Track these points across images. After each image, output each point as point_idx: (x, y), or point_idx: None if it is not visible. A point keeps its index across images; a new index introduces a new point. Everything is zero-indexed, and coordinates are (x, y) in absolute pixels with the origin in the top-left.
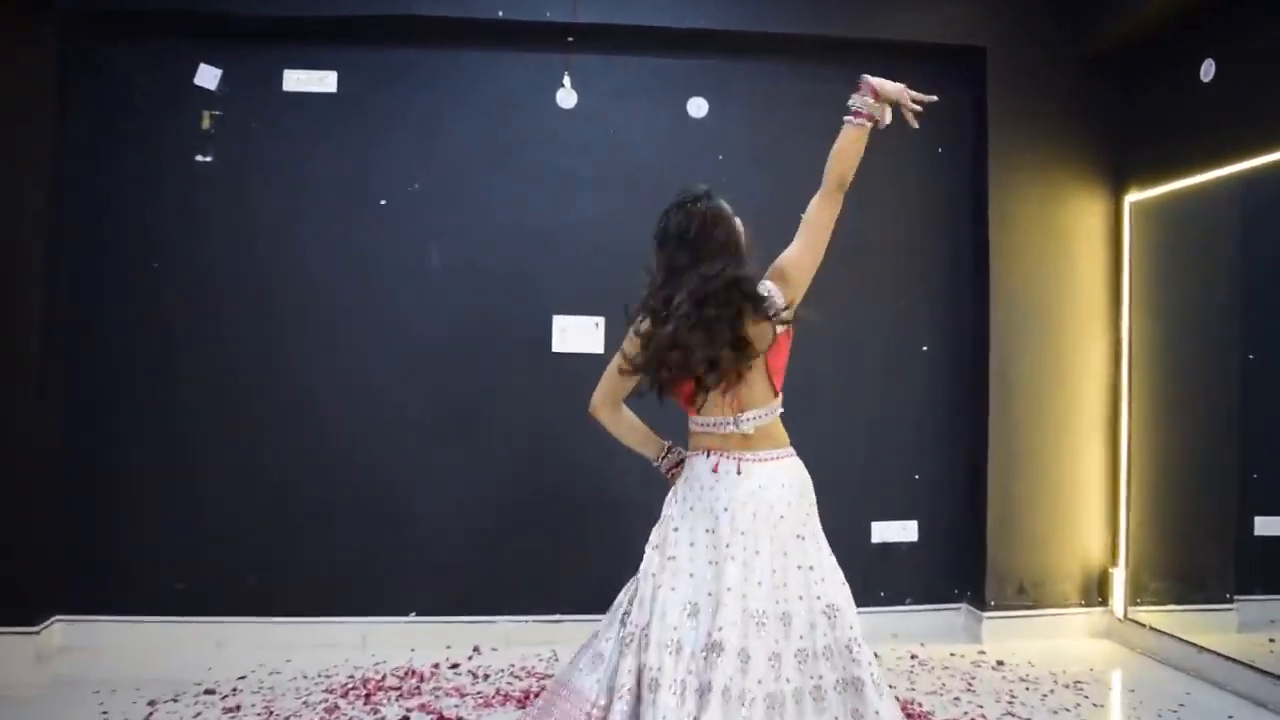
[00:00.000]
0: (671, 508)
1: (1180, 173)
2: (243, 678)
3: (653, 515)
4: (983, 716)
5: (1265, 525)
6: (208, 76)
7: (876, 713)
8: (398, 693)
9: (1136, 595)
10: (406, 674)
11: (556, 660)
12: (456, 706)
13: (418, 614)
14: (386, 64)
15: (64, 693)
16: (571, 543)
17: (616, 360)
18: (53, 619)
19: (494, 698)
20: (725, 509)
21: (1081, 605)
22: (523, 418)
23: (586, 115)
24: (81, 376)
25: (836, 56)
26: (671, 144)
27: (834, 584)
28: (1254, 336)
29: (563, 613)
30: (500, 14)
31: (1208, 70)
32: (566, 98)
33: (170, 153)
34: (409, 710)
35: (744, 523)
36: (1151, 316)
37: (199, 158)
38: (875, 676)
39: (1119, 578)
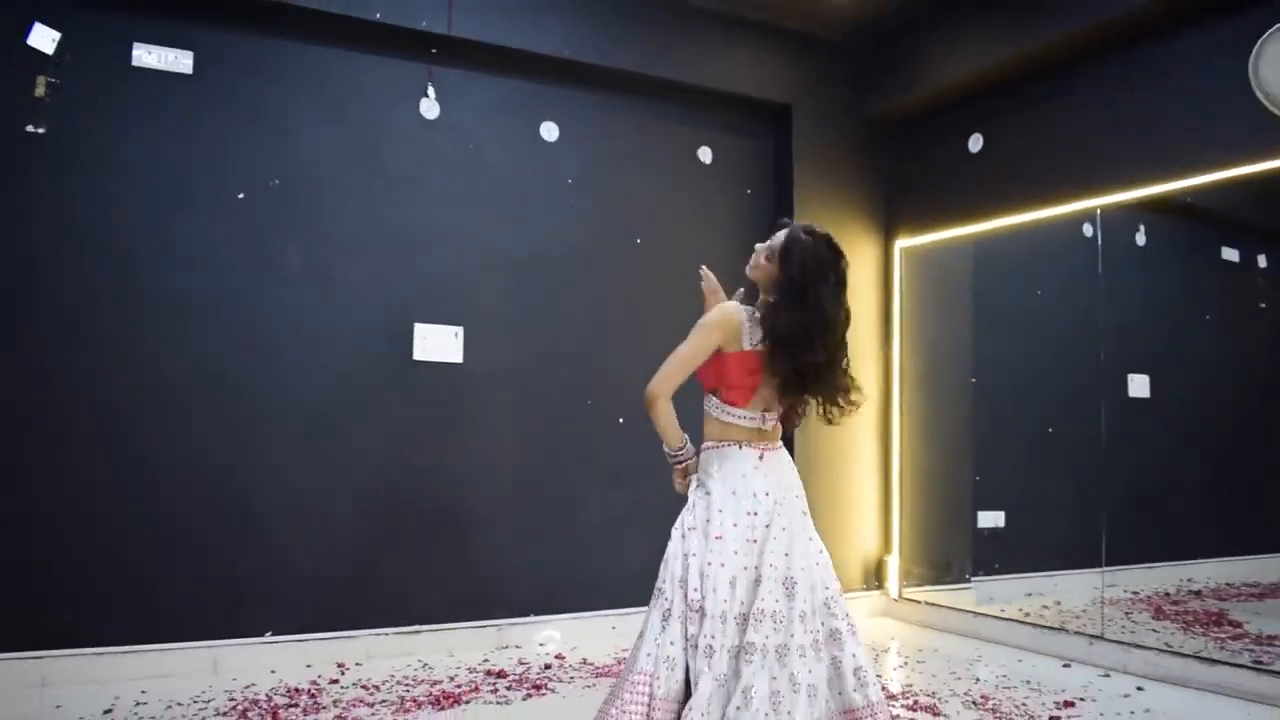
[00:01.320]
0: (710, 494)
1: (941, 225)
2: (109, 710)
3: (505, 527)
4: None
5: (985, 519)
6: (43, 38)
7: (853, 655)
8: (299, 709)
9: (905, 579)
10: (291, 692)
11: (430, 669)
12: (372, 714)
13: (273, 633)
14: (249, 50)
15: None
16: (428, 554)
17: (687, 352)
18: None
19: (408, 702)
20: (767, 493)
21: (864, 589)
22: (382, 428)
23: (448, 127)
24: None
25: (669, 97)
26: (527, 163)
27: (821, 549)
28: (980, 362)
29: (422, 623)
30: (378, 16)
31: (976, 142)
32: (430, 108)
33: None
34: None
35: (780, 503)
36: (913, 343)
37: (30, 127)
38: (850, 626)
39: (893, 564)
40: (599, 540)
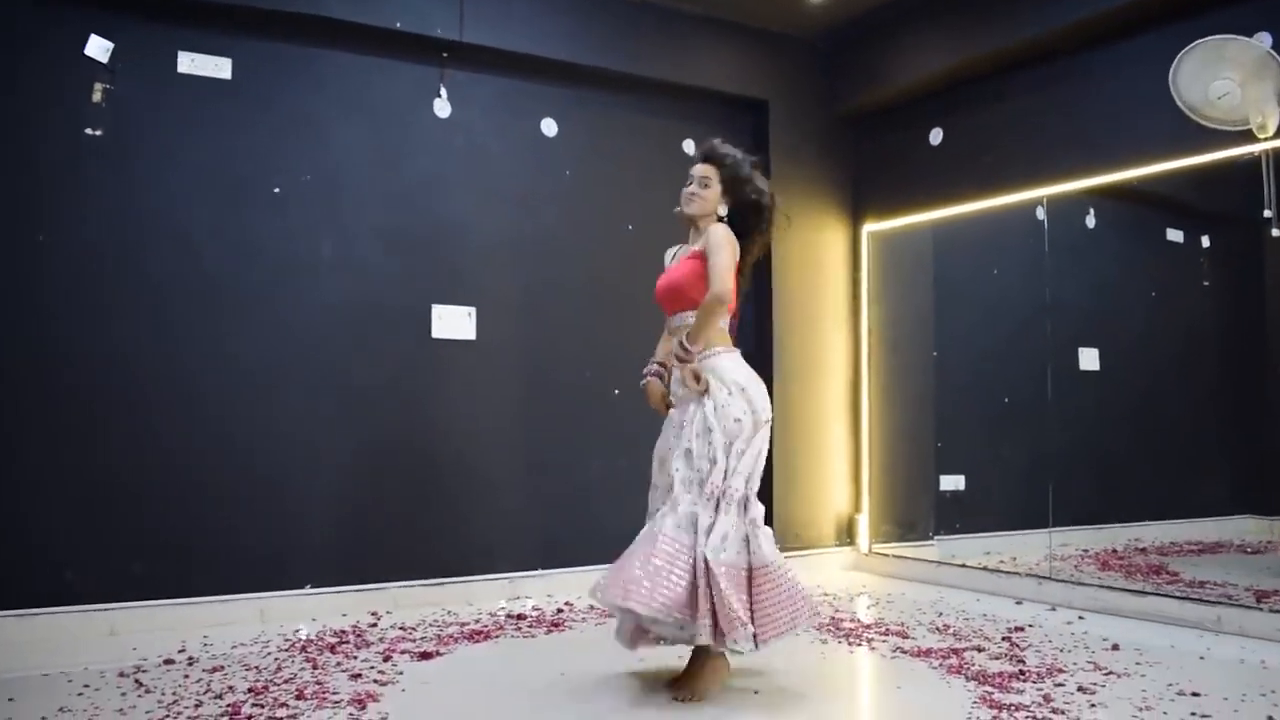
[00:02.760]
0: (745, 389)
1: (905, 211)
2: (181, 650)
3: (514, 488)
4: (842, 614)
5: (946, 482)
6: (99, 48)
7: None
8: (349, 644)
9: (874, 536)
10: (339, 633)
11: (455, 614)
12: (418, 647)
13: (312, 586)
14: (282, 57)
15: (7, 684)
16: (447, 514)
17: (729, 264)
18: None
19: (444, 638)
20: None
21: (836, 544)
22: (405, 399)
23: (459, 125)
24: None
25: (656, 94)
26: (530, 156)
27: None
28: (940, 337)
29: (443, 576)
30: (398, 25)
31: (936, 136)
32: (442, 107)
33: (60, 123)
34: (383, 652)
35: None
36: (880, 319)
37: (88, 130)
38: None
39: (863, 522)
40: (598, 500)
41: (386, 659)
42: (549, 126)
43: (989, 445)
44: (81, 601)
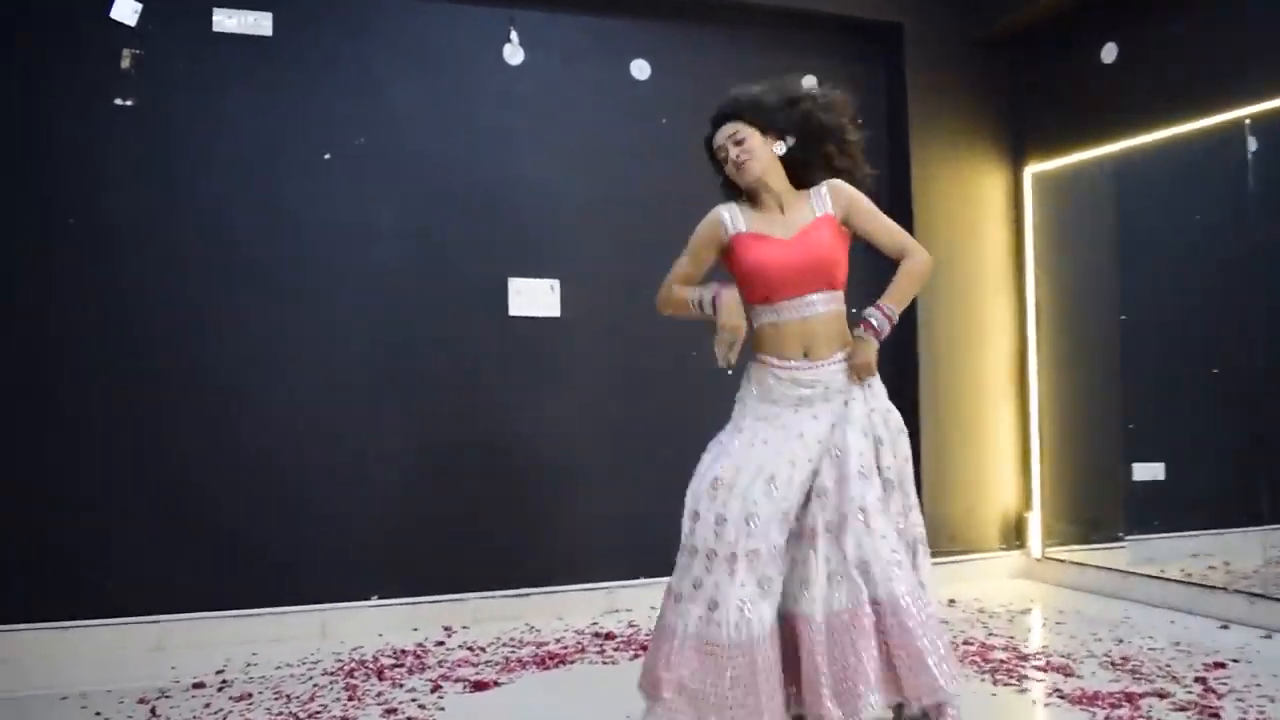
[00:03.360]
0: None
1: (1077, 146)
2: (220, 671)
3: (610, 485)
4: (972, 638)
5: (1142, 471)
6: (125, 10)
7: None
8: (405, 669)
9: (1048, 538)
10: (398, 654)
11: (537, 631)
12: (478, 674)
13: (379, 597)
14: (327, 7)
15: (22, 703)
16: (532, 515)
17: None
18: None
19: (512, 662)
20: None
21: (1002, 549)
22: (480, 387)
23: (534, 72)
24: None
25: (767, 24)
26: (618, 104)
27: None
28: (1128, 297)
29: (529, 586)
30: None
31: (1109, 52)
32: (514, 53)
33: (86, 95)
34: (434, 681)
35: None
36: (1050, 279)
37: (118, 100)
38: None
39: (1034, 521)
40: None
41: (435, 689)
42: (640, 69)
43: (1193, 425)
44: (127, 614)
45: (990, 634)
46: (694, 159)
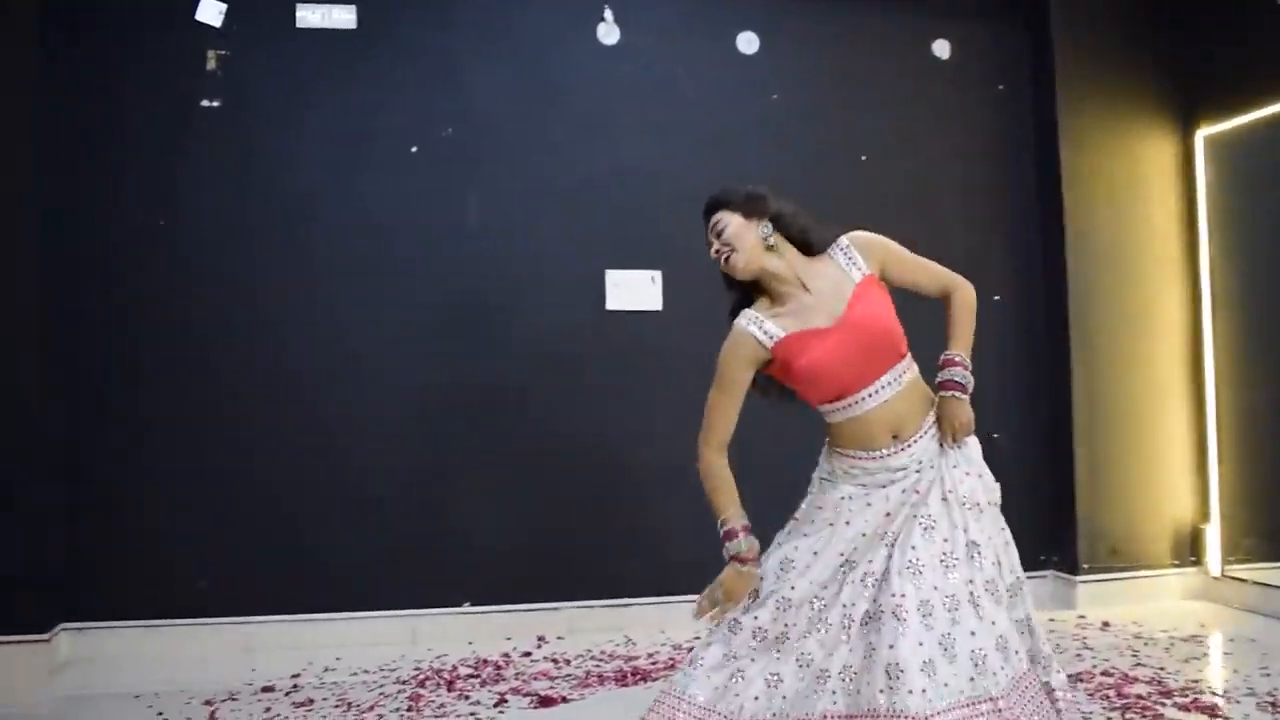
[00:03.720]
0: None
1: (1256, 103)
2: (296, 675)
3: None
4: (1113, 668)
5: None
6: (211, 12)
7: None
8: (479, 680)
9: (1230, 553)
10: (479, 664)
11: (633, 644)
12: (550, 688)
13: (472, 604)
14: None
15: (90, 699)
16: (636, 520)
17: None
18: (59, 628)
19: (592, 677)
20: None
21: (1174, 565)
22: (577, 385)
23: (630, 52)
24: (85, 355)
25: None
26: (723, 82)
27: None
28: None
29: (632, 596)
30: None
31: None
32: (608, 32)
33: (173, 98)
34: (502, 694)
35: None
36: (1230, 258)
37: (204, 102)
38: None
39: (1212, 535)
40: None
41: (499, 703)
42: (747, 42)
43: None
44: (217, 614)
45: (1137, 663)
46: (810, 136)
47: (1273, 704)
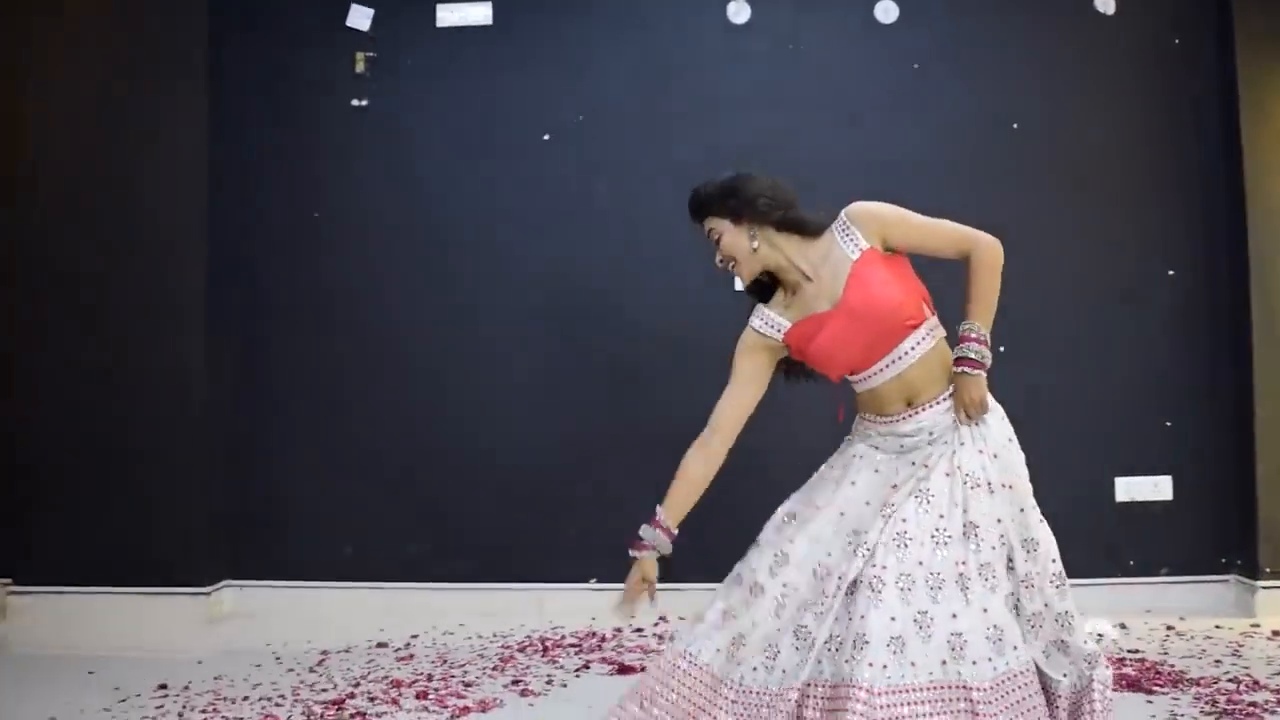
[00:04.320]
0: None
1: None
2: (415, 636)
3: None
4: (1248, 676)
5: None
6: (360, 17)
7: None
8: (577, 649)
9: None
10: (586, 636)
11: None
12: (640, 659)
13: (599, 580)
14: None
15: (236, 649)
16: (763, 499)
17: None
18: (222, 583)
19: None
20: None
21: None
22: (701, 368)
23: (762, 29)
24: (247, 336)
25: None
26: (860, 53)
27: None
28: None
29: None
30: None
31: None
32: (738, 11)
33: (326, 98)
34: (589, 660)
35: None
36: None
37: (355, 102)
38: None
39: None
40: None
41: (580, 669)
42: (886, 11)
43: None
44: (359, 579)
45: (1278, 673)
46: (955, 108)
47: None
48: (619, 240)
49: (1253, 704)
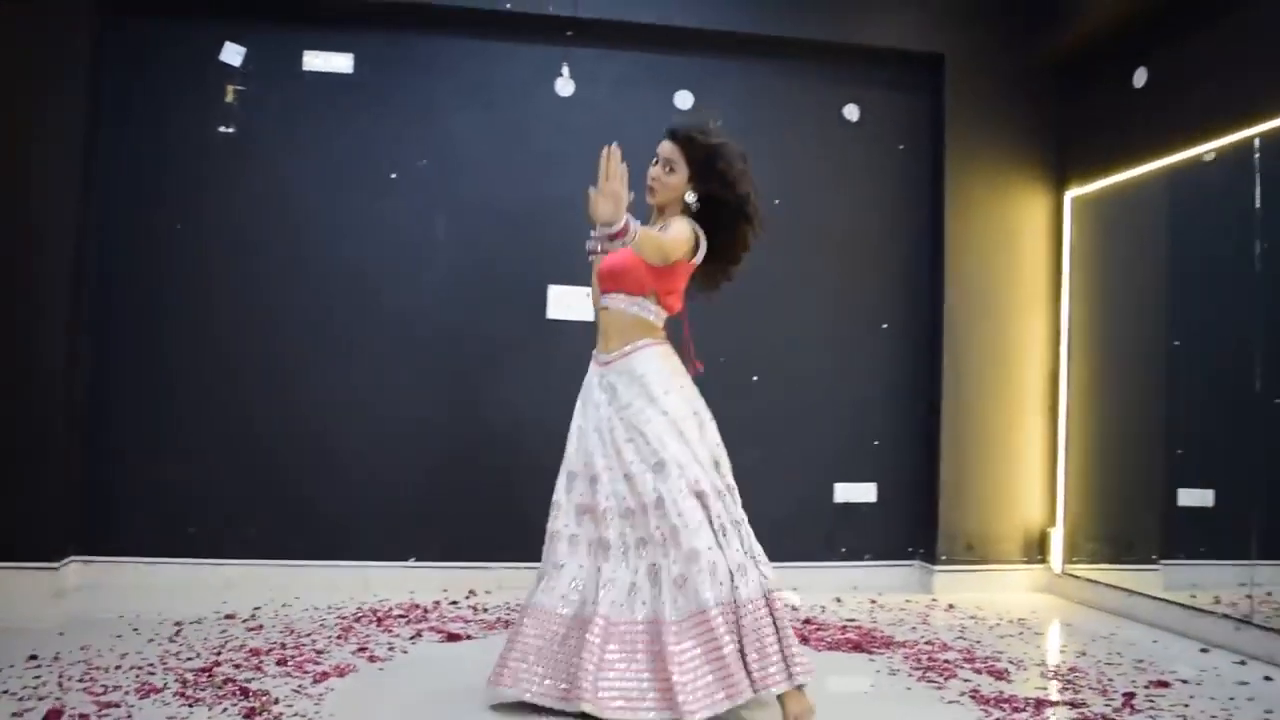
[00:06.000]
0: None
1: (1114, 168)
2: (258, 608)
3: None
4: (938, 638)
5: (1187, 496)
6: (232, 54)
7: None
8: (405, 620)
9: (1072, 554)
10: (410, 608)
11: None
12: (463, 628)
13: (416, 559)
14: (400, 49)
15: (90, 621)
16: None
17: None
18: (69, 559)
19: (496, 624)
20: None
21: (1023, 562)
22: (517, 379)
23: (583, 103)
24: (102, 329)
25: (811, 57)
26: (661, 131)
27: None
28: (1178, 322)
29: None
30: (508, 5)
31: (1140, 77)
32: (565, 86)
33: (197, 122)
34: (420, 629)
35: None
36: (1088, 302)
37: (221, 128)
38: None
39: (1056, 537)
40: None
41: (413, 637)
42: (683, 99)
43: (1250, 454)
44: (201, 555)
45: (959, 637)
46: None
47: (1055, 674)
48: (450, 266)
49: (947, 661)
